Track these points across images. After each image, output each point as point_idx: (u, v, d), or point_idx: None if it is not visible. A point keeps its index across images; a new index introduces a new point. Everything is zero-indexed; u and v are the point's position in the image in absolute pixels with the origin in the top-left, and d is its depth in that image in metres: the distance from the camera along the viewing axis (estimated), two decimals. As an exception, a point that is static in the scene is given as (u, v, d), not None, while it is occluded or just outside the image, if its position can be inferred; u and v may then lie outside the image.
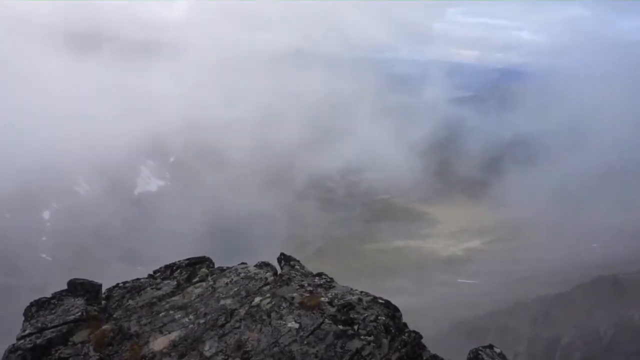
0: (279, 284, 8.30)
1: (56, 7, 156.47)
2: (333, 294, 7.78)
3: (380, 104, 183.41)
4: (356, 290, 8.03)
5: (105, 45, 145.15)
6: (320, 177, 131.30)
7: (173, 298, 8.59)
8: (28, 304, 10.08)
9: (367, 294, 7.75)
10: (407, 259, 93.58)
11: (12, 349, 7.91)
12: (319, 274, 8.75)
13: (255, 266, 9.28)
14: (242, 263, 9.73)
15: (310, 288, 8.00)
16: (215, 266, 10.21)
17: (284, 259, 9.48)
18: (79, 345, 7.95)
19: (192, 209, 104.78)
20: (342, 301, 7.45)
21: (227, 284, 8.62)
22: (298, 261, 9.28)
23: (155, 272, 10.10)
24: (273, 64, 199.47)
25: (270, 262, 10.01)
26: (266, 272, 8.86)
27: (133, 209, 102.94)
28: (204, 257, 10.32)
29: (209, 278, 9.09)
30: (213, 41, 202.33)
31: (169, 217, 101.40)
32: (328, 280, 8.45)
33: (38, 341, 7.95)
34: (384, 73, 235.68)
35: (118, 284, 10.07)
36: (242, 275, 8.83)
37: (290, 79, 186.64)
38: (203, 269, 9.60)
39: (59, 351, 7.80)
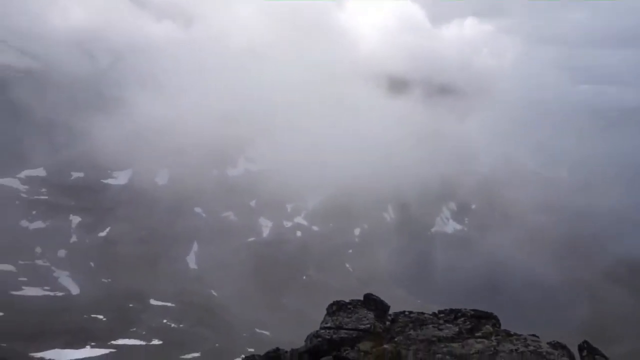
0: (575, 375, 7.05)
1: (394, 56, 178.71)
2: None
3: None
4: None
5: (416, 88, 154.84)
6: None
7: (452, 344, 8.51)
8: (331, 302, 11.99)
9: None
10: None
11: (316, 334, 9.59)
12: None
13: (548, 344, 8.19)
14: (533, 335, 8.79)
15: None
16: (501, 327, 9.59)
17: (587, 348, 8.00)
18: (362, 353, 8.88)
19: (475, 258, 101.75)
20: None
21: (511, 351, 7.92)
22: (607, 358, 7.66)
23: (439, 312, 10.29)
24: (608, 120, 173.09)
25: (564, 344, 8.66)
26: (561, 356, 7.67)
27: (425, 244, 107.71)
28: (491, 313, 9.87)
29: (493, 337, 8.58)
30: (532, 93, 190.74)
31: (454, 261, 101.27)
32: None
33: (334, 336, 9.33)
34: None
35: (404, 311, 10.74)
36: (530, 348, 7.93)
37: (626, 139, 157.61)
38: (488, 326, 9.16)
39: (347, 352, 8.91)
